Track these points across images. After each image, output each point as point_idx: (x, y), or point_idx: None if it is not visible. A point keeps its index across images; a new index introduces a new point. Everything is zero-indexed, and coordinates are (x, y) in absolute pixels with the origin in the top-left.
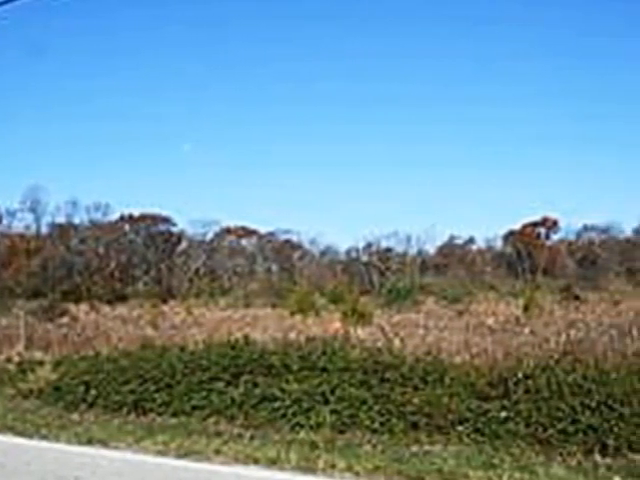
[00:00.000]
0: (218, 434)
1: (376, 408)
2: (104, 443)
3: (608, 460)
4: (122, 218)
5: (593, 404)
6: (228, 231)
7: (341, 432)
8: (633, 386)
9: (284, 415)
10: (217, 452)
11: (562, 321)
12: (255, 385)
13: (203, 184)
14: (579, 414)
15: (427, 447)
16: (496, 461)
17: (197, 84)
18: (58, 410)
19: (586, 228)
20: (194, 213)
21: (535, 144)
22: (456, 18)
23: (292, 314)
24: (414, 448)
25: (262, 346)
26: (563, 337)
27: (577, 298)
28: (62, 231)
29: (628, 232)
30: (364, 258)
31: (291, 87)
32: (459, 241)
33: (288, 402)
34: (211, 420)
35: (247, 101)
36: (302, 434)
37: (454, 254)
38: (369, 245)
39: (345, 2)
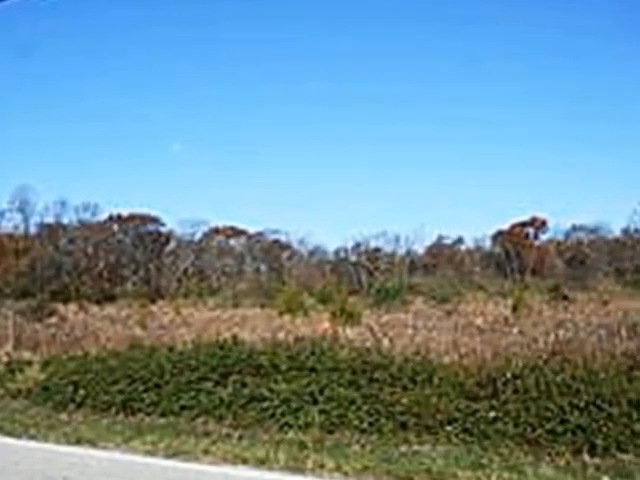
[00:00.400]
0: (207, 434)
1: (365, 408)
2: (93, 443)
3: (597, 460)
4: (111, 218)
5: (582, 404)
6: (217, 231)
7: (330, 432)
8: (622, 386)
9: (273, 415)
10: (206, 452)
11: (551, 321)
12: (244, 385)
13: (192, 184)
14: (568, 414)
15: (416, 447)
16: (485, 461)
17: (186, 84)
18: (47, 410)
19: (575, 228)
20: (183, 213)
21: (523, 144)
22: (442, 18)
23: (281, 314)
24: (403, 448)
25: (251, 346)
26: (552, 337)
27: (566, 298)
28: (51, 231)
29: (617, 232)
30: (353, 258)
31: (280, 87)
32: (448, 241)
33: (277, 402)
34: (200, 420)
35: (236, 101)
36: (291, 434)
37: (443, 254)
38: (358, 245)
39: (334, 3)
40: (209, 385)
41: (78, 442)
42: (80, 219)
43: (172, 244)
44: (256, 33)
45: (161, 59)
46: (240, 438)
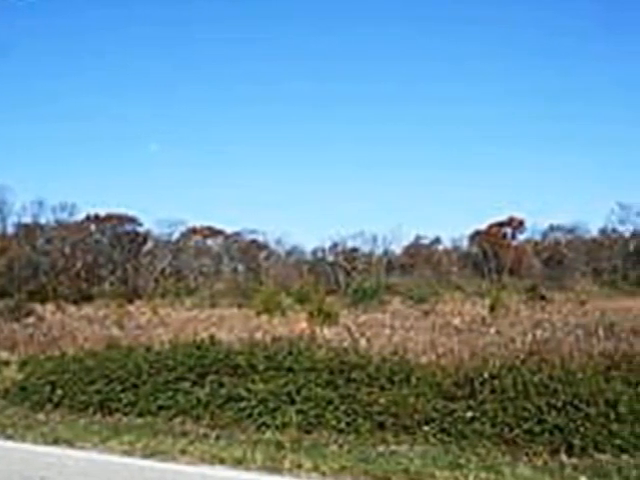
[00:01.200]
0: (184, 434)
1: (342, 408)
2: (70, 443)
3: (574, 460)
4: (88, 218)
5: (559, 404)
6: (194, 231)
7: (307, 432)
8: (599, 386)
9: (250, 415)
10: (183, 452)
11: (528, 321)
12: (221, 385)
13: (169, 184)
14: (545, 414)
15: (393, 447)
16: (462, 461)
17: (164, 84)
18: (24, 410)
19: (552, 228)
20: (160, 213)
21: (501, 144)
22: (424, 18)
23: (258, 314)
24: (380, 448)
25: (228, 346)
26: (529, 337)
27: (543, 298)
28: (28, 231)
29: (594, 232)
30: (330, 258)
31: (259, 87)
32: (425, 241)
33: (254, 402)
34: (177, 420)
35: (214, 101)
36: (268, 434)
37: (420, 254)
38: (335, 245)
39: (316, 2)
40: (186, 385)
41: (55, 442)
42: (57, 219)
43: (149, 244)
44: (235, 33)
45: (139, 59)
46: (217, 438)
